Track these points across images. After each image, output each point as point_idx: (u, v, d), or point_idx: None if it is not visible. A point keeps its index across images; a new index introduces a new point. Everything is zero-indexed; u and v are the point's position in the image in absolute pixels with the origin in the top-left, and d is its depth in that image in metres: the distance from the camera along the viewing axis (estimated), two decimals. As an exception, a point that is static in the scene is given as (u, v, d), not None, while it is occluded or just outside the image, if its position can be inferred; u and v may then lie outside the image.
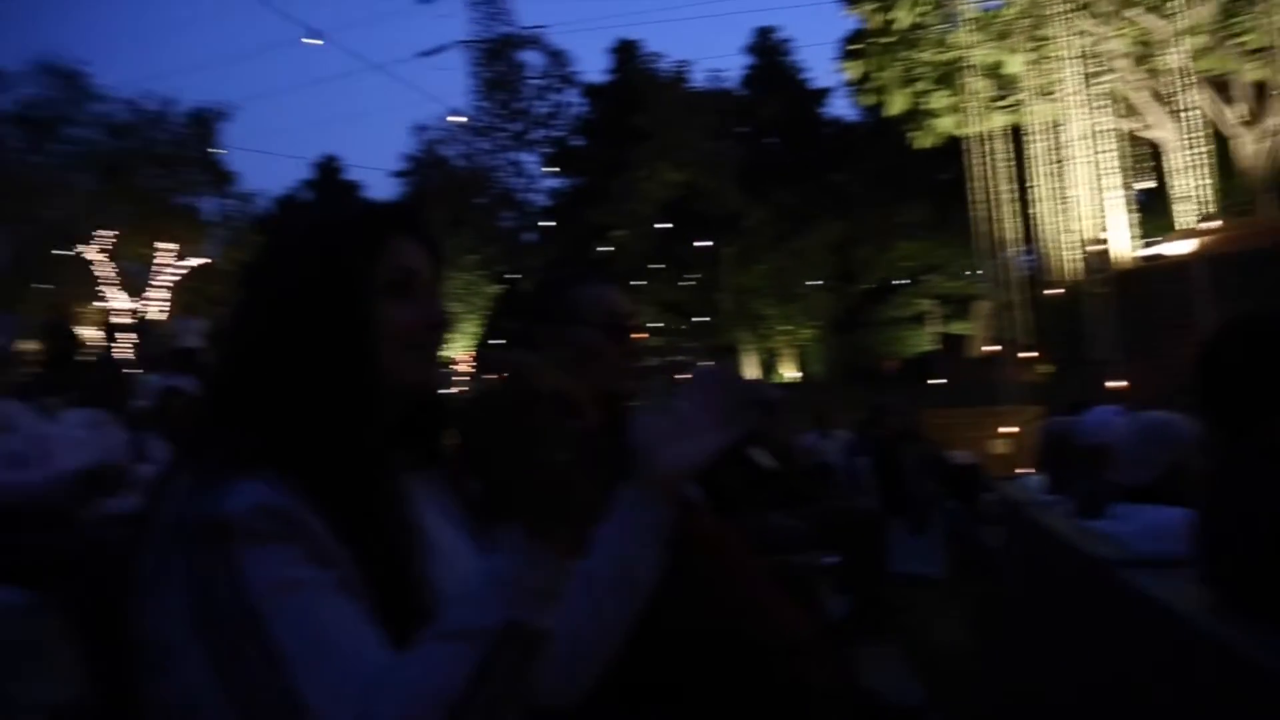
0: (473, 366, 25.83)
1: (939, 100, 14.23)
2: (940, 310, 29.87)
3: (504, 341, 30.36)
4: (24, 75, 23.81)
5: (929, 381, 21.47)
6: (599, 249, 29.44)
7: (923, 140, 14.85)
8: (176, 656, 0.85)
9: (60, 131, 24.50)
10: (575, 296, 1.87)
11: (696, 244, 29.46)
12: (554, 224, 32.57)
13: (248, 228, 27.57)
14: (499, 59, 31.95)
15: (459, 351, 27.53)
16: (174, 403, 5.73)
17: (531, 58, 32.34)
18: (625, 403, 1.92)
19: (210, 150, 26.51)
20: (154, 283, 25.44)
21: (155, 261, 25.44)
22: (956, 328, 27.16)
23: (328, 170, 42.98)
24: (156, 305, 24.78)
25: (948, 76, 14.01)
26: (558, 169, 33.82)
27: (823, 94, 33.60)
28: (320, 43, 21.95)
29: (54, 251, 24.51)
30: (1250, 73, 11.93)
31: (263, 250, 1.12)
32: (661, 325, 28.38)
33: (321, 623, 0.83)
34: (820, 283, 30.10)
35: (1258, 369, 1.62)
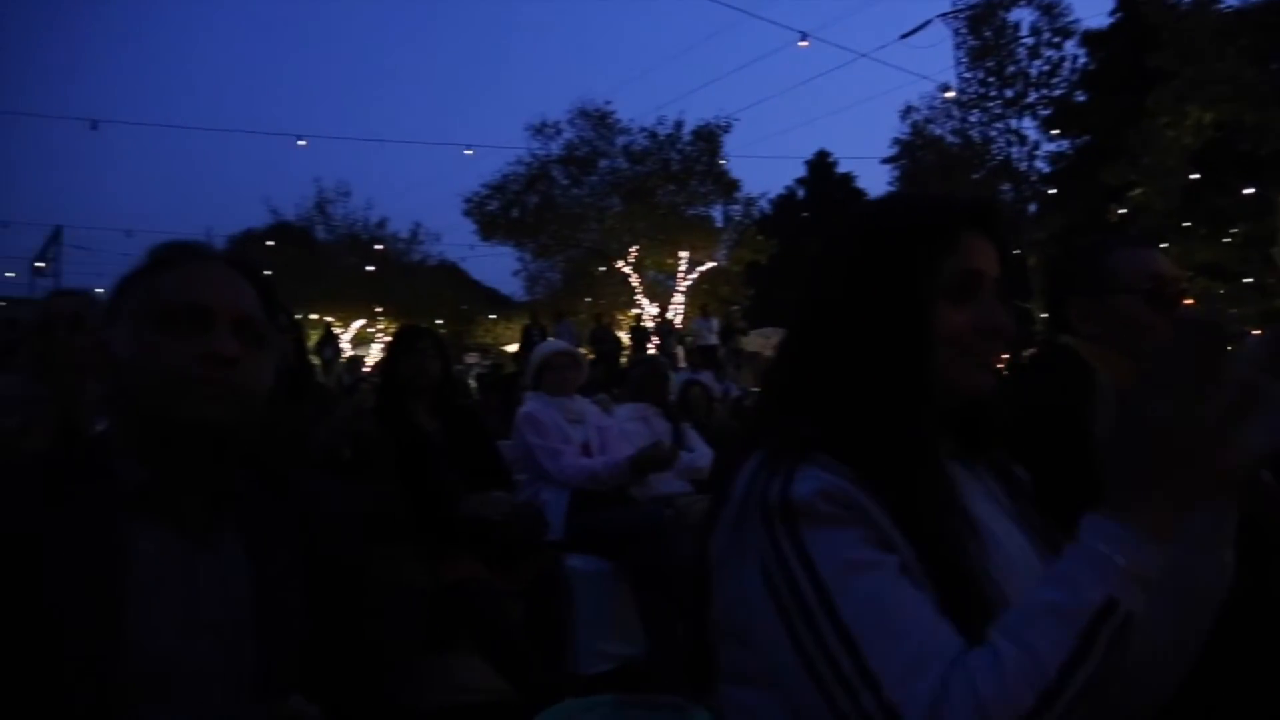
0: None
1: None
2: None
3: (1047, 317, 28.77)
4: (566, 123, 27.90)
5: None
6: (1115, 212, 26.60)
7: None
8: (754, 630, 0.92)
9: (595, 165, 28.20)
10: (1114, 263, 1.73)
11: (1240, 193, 25.27)
12: (1058, 191, 30.10)
13: (752, 229, 29.36)
14: (985, 24, 30.33)
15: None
16: (693, 393, 6.34)
17: (1021, 15, 30.23)
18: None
19: (716, 162, 28.62)
20: (674, 289, 28.20)
21: (677, 271, 28.19)
22: None
23: (820, 166, 44.23)
24: (677, 309, 27.43)
25: None
26: (1060, 130, 31.17)
27: None
28: (807, 44, 22.76)
29: (597, 269, 28.40)
30: None
31: (828, 243, 1.12)
32: (1198, 291, 24.80)
33: (890, 603, 0.85)
34: None
35: None
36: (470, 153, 28.79)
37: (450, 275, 36.43)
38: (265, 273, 1.32)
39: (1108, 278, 1.72)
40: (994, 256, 1.05)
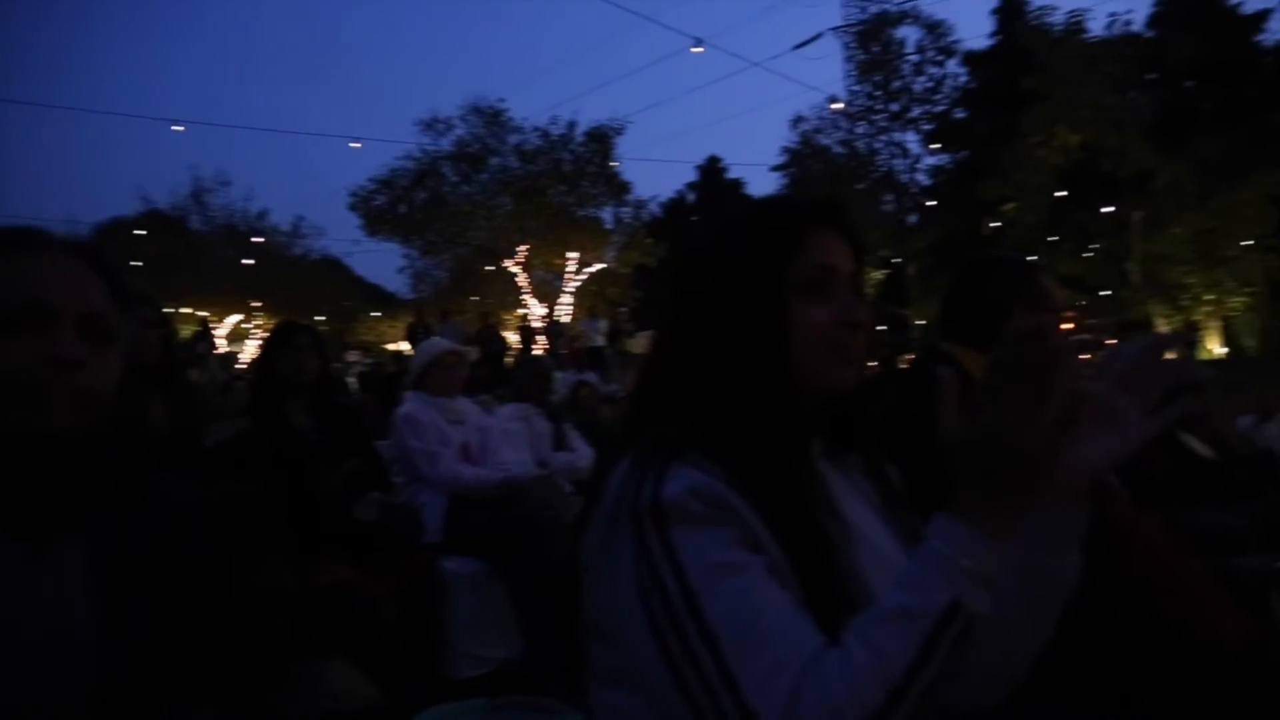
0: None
1: None
2: None
3: (888, 327, 29.74)
4: (458, 119, 27.54)
5: None
6: (988, 225, 27.80)
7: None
8: (622, 630, 0.92)
9: (486, 163, 27.91)
10: (1046, 285, 1.84)
11: (1100, 210, 26.77)
12: (937, 203, 31.31)
13: (641, 232, 29.54)
14: (873, 39, 31.33)
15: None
16: (583, 393, 6.34)
17: (907, 33, 31.37)
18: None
19: (608, 164, 28.71)
20: (562, 289, 28.15)
21: (565, 271, 28.14)
22: None
23: (711, 171, 44.87)
24: (564, 309, 27.38)
25: None
26: (941, 145, 32.44)
27: (1258, 19, 28.86)
28: (702, 50, 23.07)
29: (485, 267, 28.12)
30: None
31: (684, 246, 1.17)
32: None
33: (755, 605, 0.85)
34: (1253, 243, 25.96)
35: None
36: (357, 146, 28.13)
37: (333, 271, 35.51)
38: (133, 262, 1.20)
39: (1045, 296, 1.82)
40: (847, 253, 1.07)
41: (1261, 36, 29.11)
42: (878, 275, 29.99)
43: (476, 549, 3.70)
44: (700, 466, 0.92)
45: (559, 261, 28.08)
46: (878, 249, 29.83)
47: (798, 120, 32.64)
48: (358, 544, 3.27)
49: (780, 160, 33.51)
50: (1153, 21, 29.82)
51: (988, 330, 1.77)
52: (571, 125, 28.26)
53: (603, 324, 17.50)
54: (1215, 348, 27.33)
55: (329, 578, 3.07)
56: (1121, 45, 26.81)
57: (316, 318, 28.06)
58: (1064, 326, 1.81)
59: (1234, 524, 3.56)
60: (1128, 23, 27.86)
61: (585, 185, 28.49)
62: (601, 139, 28.27)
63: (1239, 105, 26.50)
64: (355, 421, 3.76)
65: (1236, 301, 27.15)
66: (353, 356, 20.73)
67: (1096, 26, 27.52)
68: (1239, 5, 29.42)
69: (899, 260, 29.52)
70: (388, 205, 28.03)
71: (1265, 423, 8.14)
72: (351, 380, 12.98)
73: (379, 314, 36.13)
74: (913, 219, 31.95)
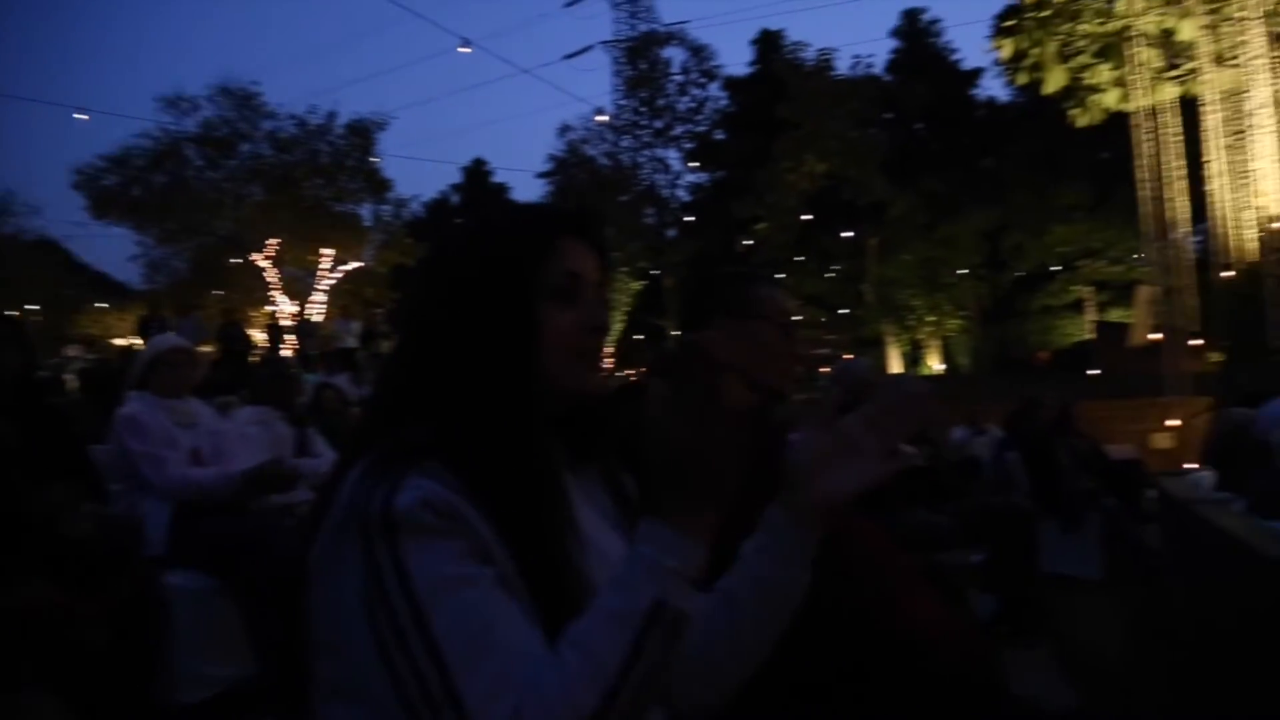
0: (614, 362, 26.19)
1: (1101, 74, 13.43)
2: (1098, 297, 28.30)
3: (645, 337, 30.77)
4: (205, 99, 25.65)
5: (1086, 372, 20.37)
6: (741, 243, 29.32)
7: (1083, 118, 14.05)
8: (347, 643, 0.89)
9: (235, 149, 26.19)
10: (758, 294, 1.90)
11: (841, 235, 28.95)
12: (695, 219, 32.63)
13: (401, 231, 28.77)
14: (641, 57, 32.24)
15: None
16: (326, 396, 6.07)
17: (673, 54, 32.51)
18: (782, 402, 1.93)
19: (368, 159, 27.75)
20: (315, 287, 26.92)
21: (319, 268, 26.91)
22: (1115, 315, 25.63)
23: (476, 174, 44.45)
24: (317, 308, 26.20)
25: (1111, 48, 13.21)
26: (700, 164, 33.85)
27: (974, 75, 32.40)
28: (470, 50, 22.80)
29: (230, 260, 26.34)
30: None
31: (436, 250, 1.14)
32: (803, 318, 28.03)
33: (482, 619, 0.85)
34: (968, 271, 29.06)
35: None
36: (84, 117, 25.32)
37: (50, 255, 32.01)
38: None
39: (754, 305, 1.88)
40: (595, 262, 1.09)
41: (975, 90, 32.61)
42: (636, 286, 30.85)
43: (204, 561, 3.44)
44: (436, 475, 0.90)
45: (312, 258, 26.82)
46: (638, 260, 30.69)
47: (565, 129, 33.02)
48: (62, 561, 2.95)
49: (547, 168, 33.75)
50: (890, 67, 32.68)
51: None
52: (331, 116, 27.13)
53: (356, 325, 16.86)
54: (935, 364, 30.23)
55: (21, 600, 2.75)
56: (864, 85, 29.17)
57: (27, 307, 25.28)
58: (790, 336, 1.91)
59: (942, 523, 3.95)
60: (870, 65, 30.41)
61: (344, 179, 27.40)
62: (363, 133, 27.31)
63: (958, 149, 29.52)
64: (64, 425, 3.41)
65: (954, 323, 30.21)
66: (73, 351, 18.75)
67: (843, 66, 29.77)
68: (960, 61, 32.85)
69: (658, 272, 30.50)
70: (120, 186, 25.60)
71: (977, 435, 9.01)
72: (70, 377, 11.78)
73: (105, 305, 32.94)
74: (672, 233, 33.11)
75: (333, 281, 27.07)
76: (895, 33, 33.68)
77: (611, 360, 26.31)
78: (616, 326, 29.49)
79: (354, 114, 27.44)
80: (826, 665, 1.58)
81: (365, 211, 28.74)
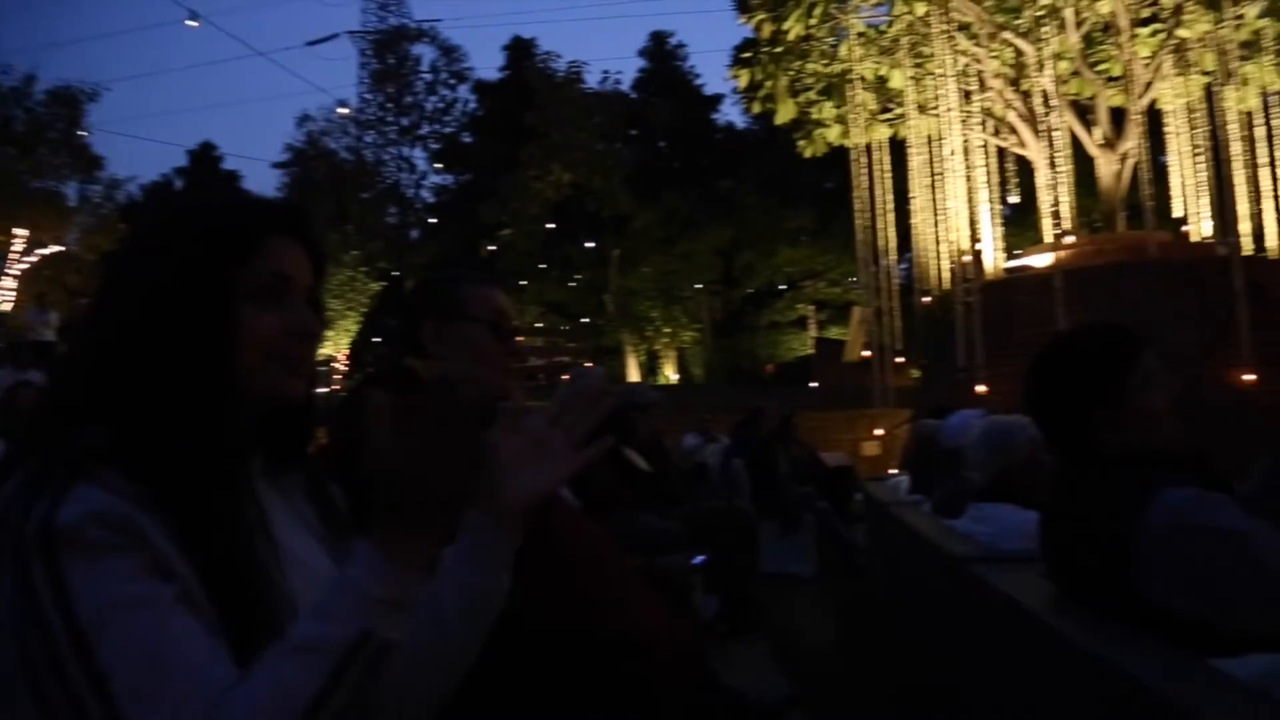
0: (350, 365, 25.20)
1: (825, 111, 14.54)
2: (819, 315, 30.71)
3: (383, 339, 29.81)
4: None
5: (808, 385, 21.98)
6: (486, 247, 29.15)
7: (809, 149, 15.14)
8: (4, 685, 0.78)
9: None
10: (465, 294, 1.86)
11: (584, 245, 29.50)
12: (439, 221, 32.09)
13: (114, 215, 26.21)
14: (390, 51, 31.30)
15: (337, 349, 26.83)
16: (24, 396, 5.39)
17: (423, 52, 31.82)
18: (500, 403, 1.90)
19: (75, 131, 25.10)
20: (5, 271, 23.92)
21: (9, 250, 23.92)
22: (834, 333, 27.90)
23: (204, 158, 41.29)
24: (5, 294, 23.28)
25: (834, 88, 14.33)
26: (446, 165, 33.34)
27: (714, 101, 34.13)
28: (198, 24, 21.15)
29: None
30: (1109, 99, 12.65)
31: (130, 238, 1.03)
32: (544, 326, 28.32)
33: (158, 643, 0.77)
34: (703, 286, 30.57)
35: (1059, 392, 1.70)
36: None
37: None
38: None
39: (461, 306, 1.84)
40: (306, 264, 1.02)
41: (716, 115, 34.39)
42: (375, 286, 29.87)
43: None
44: (110, 484, 0.81)
45: (2, 238, 23.80)
46: (378, 260, 29.74)
47: (305, 119, 31.44)
48: None
49: (284, 158, 31.94)
50: (637, 85, 33.75)
51: (414, 342, 1.81)
52: (29, 79, 24.31)
53: (54, 316, 15.18)
54: (670, 374, 31.46)
55: None
56: (611, 100, 29.94)
57: None
58: (517, 339, 1.89)
59: (668, 527, 4.07)
60: (618, 81, 31.26)
61: (44, 152, 24.62)
62: (69, 101, 24.71)
63: (698, 169, 30.97)
64: None
65: (688, 335, 31.60)
66: None
67: (593, 79, 30.40)
68: (702, 86, 34.52)
69: (398, 274, 29.70)
70: None
71: (708, 442, 9.41)
72: None
73: None
74: (415, 233, 32.39)
75: (27, 265, 24.15)
76: (643, 52, 34.84)
77: (347, 364, 25.29)
78: (355, 328, 28.37)
79: (58, 80, 24.77)
80: (541, 668, 1.56)
81: (70, 190, 26.01)
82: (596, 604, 1.73)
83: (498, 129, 31.10)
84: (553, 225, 28.73)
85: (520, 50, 33.99)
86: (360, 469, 1.42)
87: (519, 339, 1.92)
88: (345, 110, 30.37)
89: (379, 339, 28.28)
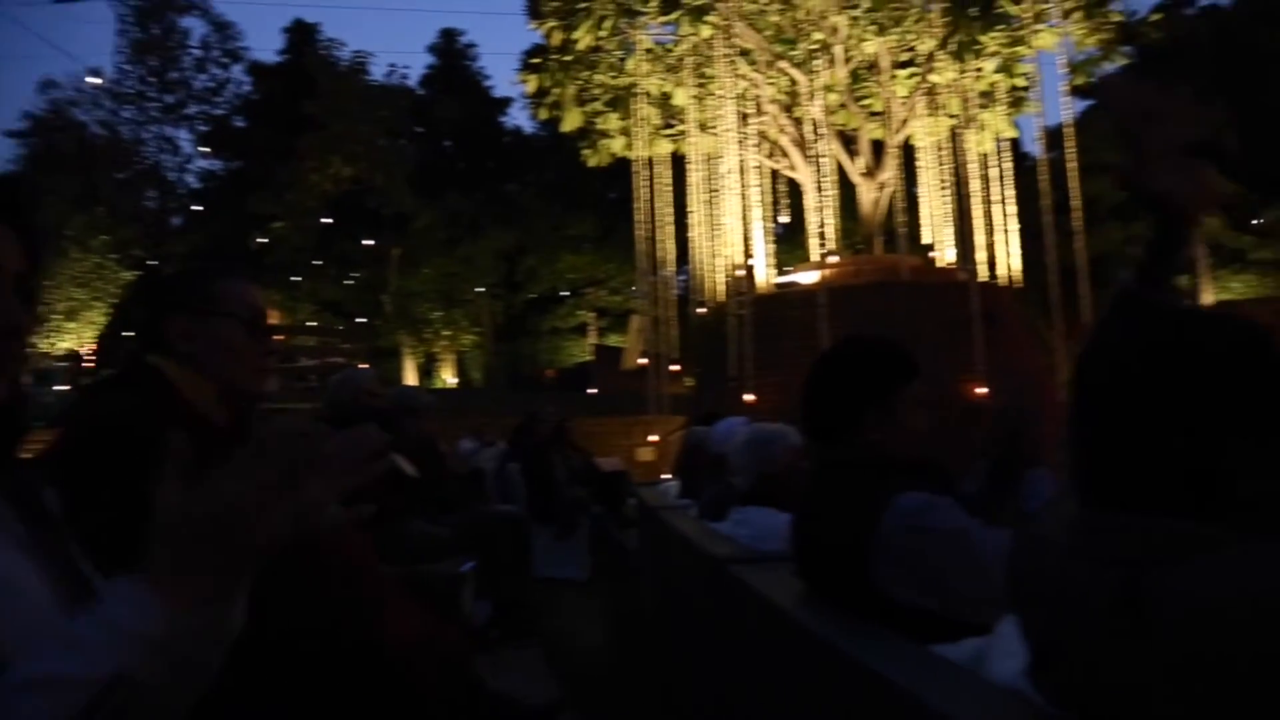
0: (97, 360, 23.17)
1: (611, 122, 14.84)
2: (599, 323, 31.20)
3: (135, 334, 27.39)
4: None
5: (586, 390, 22.27)
6: (255, 240, 27.54)
7: (594, 159, 15.40)
8: None
9: None
10: (217, 289, 1.76)
11: (362, 242, 28.49)
12: (205, 209, 30.02)
13: None
14: (154, 20, 28.95)
15: (82, 343, 24.54)
16: None
17: (193, 25, 29.66)
18: (257, 402, 1.81)
19: None
20: None
21: None
22: (613, 340, 28.46)
23: (-79, 121, 36.62)
24: None
25: (621, 100, 14.65)
26: (214, 149, 31.22)
27: (503, 103, 33.92)
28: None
29: None
30: (871, 131, 13.67)
31: None
32: (317, 325, 27.04)
33: None
34: (484, 290, 30.31)
35: (840, 387, 1.83)
36: None
37: None
38: None
39: (212, 301, 1.74)
40: (15, 249, 0.92)
41: (504, 118, 34.23)
42: (128, 276, 27.50)
43: None
44: None
45: None
46: (132, 248, 27.41)
47: (49, 85, 28.47)
48: None
49: (21, 127, 28.82)
50: (425, 81, 33.02)
51: (159, 338, 1.71)
52: None
53: None
54: (449, 377, 30.94)
55: None
56: (397, 94, 29.13)
57: None
58: (274, 337, 1.80)
59: (439, 533, 4.00)
60: (404, 76, 30.52)
61: None
62: None
63: (484, 171, 30.70)
64: None
65: (468, 338, 31.19)
66: None
67: (378, 72, 29.46)
68: (491, 87, 34.25)
69: (156, 262, 27.48)
70: None
71: (484, 447, 9.32)
72: None
73: None
74: (177, 220, 30.12)
75: None
76: (432, 49, 34.17)
77: (94, 359, 23.20)
78: (100, 320, 25.96)
79: None
80: (288, 671, 1.51)
81: None
82: (346, 611, 1.68)
83: (274, 115, 29.49)
84: (329, 220, 27.54)
85: (302, 34, 32.42)
86: (112, 468, 1.31)
87: (280, 337, 1.83)
88: (98, 80, 27.83)
89: (130, 333, 26.04)
